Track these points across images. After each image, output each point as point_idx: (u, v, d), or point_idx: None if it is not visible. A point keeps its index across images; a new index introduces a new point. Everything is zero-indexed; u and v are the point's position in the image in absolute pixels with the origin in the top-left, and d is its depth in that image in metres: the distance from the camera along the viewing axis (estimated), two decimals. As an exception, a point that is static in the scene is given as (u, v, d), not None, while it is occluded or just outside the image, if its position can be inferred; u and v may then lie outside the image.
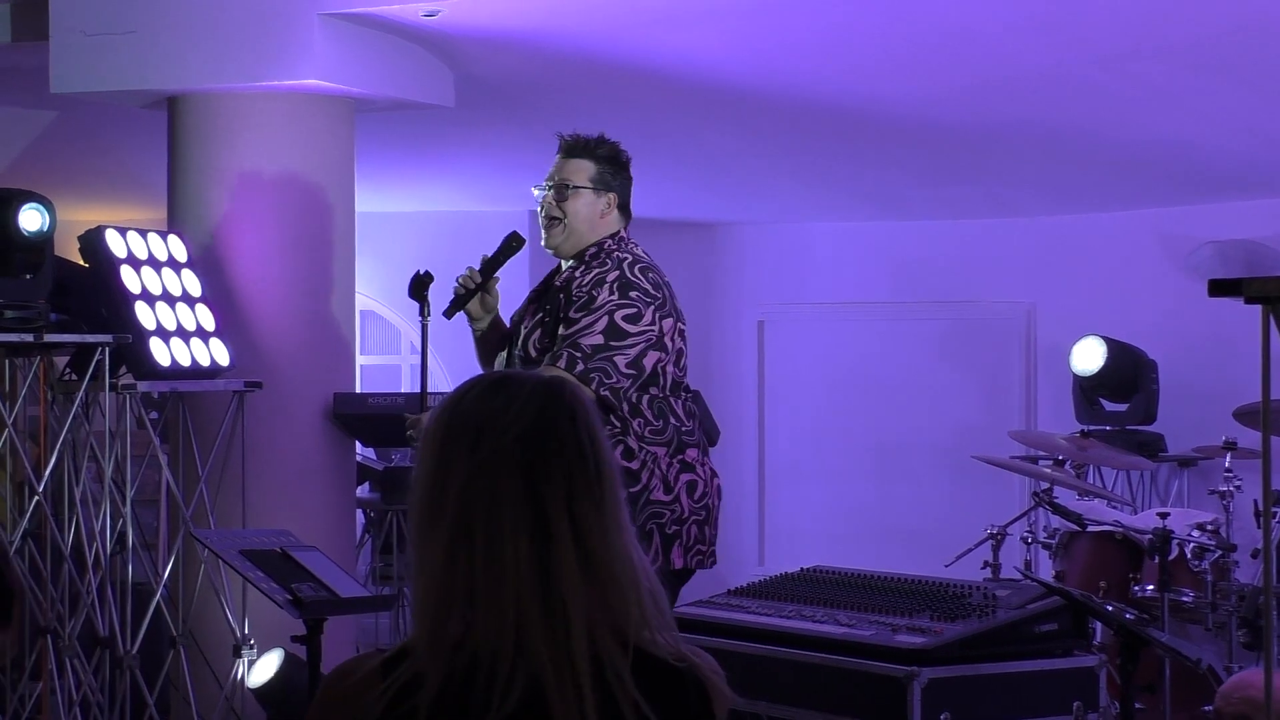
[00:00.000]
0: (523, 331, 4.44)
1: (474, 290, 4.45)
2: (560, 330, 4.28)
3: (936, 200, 8.83)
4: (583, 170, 4.43)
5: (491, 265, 4.50)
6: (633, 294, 4.20)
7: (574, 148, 4.50)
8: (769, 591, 4.99)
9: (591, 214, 4.39)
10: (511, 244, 4.50)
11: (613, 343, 4.11)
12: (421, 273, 4.64)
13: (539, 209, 4.48)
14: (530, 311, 4.52)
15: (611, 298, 4.19)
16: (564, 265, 4.46)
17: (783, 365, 9.78)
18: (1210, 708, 4.84)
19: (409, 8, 5.64)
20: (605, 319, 4.16)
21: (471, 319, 4.57)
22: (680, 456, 4.28)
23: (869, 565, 5.14)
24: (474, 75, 6.38)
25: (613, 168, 4.48)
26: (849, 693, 4.36)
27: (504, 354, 4.60)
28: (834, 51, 6.31)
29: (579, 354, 4.11)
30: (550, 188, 4.45)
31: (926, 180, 8.45)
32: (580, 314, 4.20)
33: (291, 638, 4.74)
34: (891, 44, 6.15)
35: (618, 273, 4.25)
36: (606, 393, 4.13)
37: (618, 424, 4.20)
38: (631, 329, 4.16)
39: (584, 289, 4.28)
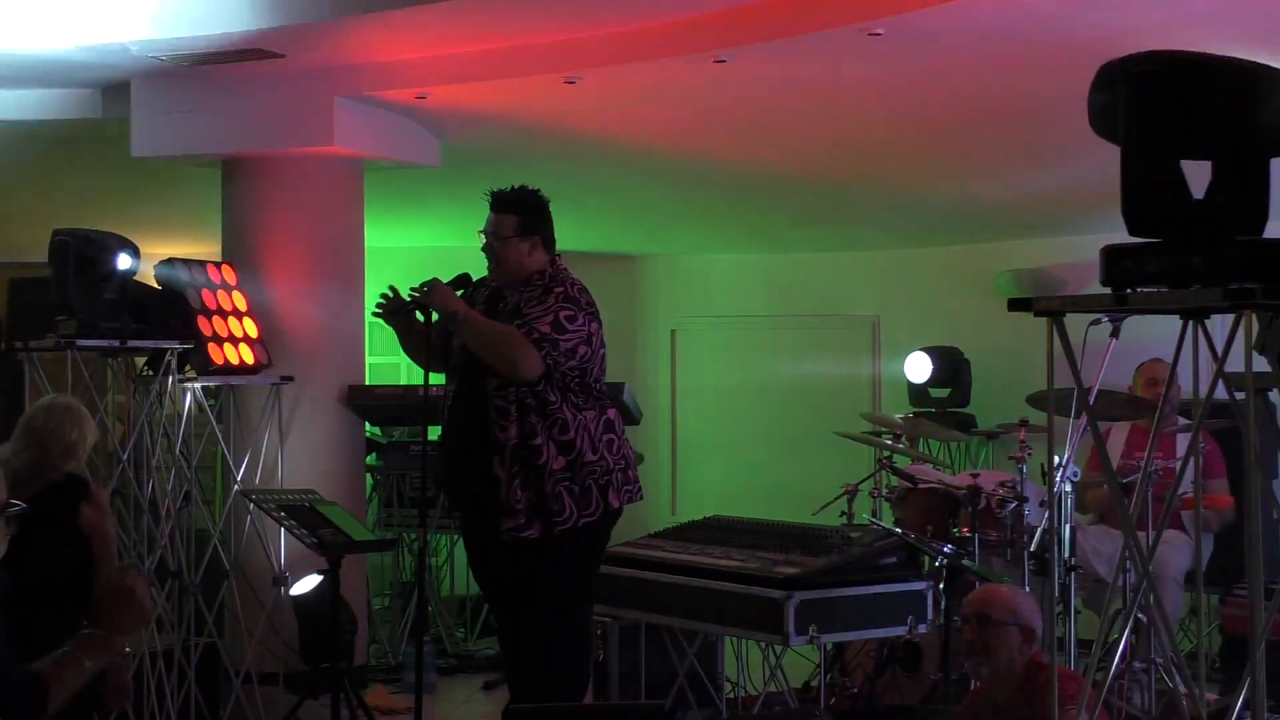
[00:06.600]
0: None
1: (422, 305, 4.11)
2: (516, 322, 4.09)
3: (805, 238, 8.78)
4: (508, 223, 4.15)
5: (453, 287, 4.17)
6: (570, 304, 4.08)
7: (499, 203, 4.20)
8: (680, 535, 5.01)
9: (520, 256, 4.14)
10: (461, 281, 4.25)
11: (556, 334, 4.01)
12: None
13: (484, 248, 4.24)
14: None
15: (557, 304, 4.06)
16: (507, 292, 4.22)
17: (690, 363, 9.75)
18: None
19: (405, 91, 5.57)
20: (552, 315, 4.03)
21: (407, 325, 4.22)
22: (605, 416, 4.15)
23: (754, 514, 5.21)
24: (454, 142, 6.28)
25: (534, 215, 4.18)
26: (741, 611, 4.40)
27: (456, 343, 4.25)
28: (727, 126, 6.20)
29: (535, 334, 4.00)
30: (485, 236, 4.18)
31: (797, 223, 8.39)
32: (533, 308, 4.08)
33: (317, 571, 4.84)
34: (770, 119, 6.12)
35: (562, 289, 4.11)
36: (551, 362, 4.00)
37: (555, 397, 4.06)
38: (570, 326, 4.05)
39: (534, 295, 4.10)
